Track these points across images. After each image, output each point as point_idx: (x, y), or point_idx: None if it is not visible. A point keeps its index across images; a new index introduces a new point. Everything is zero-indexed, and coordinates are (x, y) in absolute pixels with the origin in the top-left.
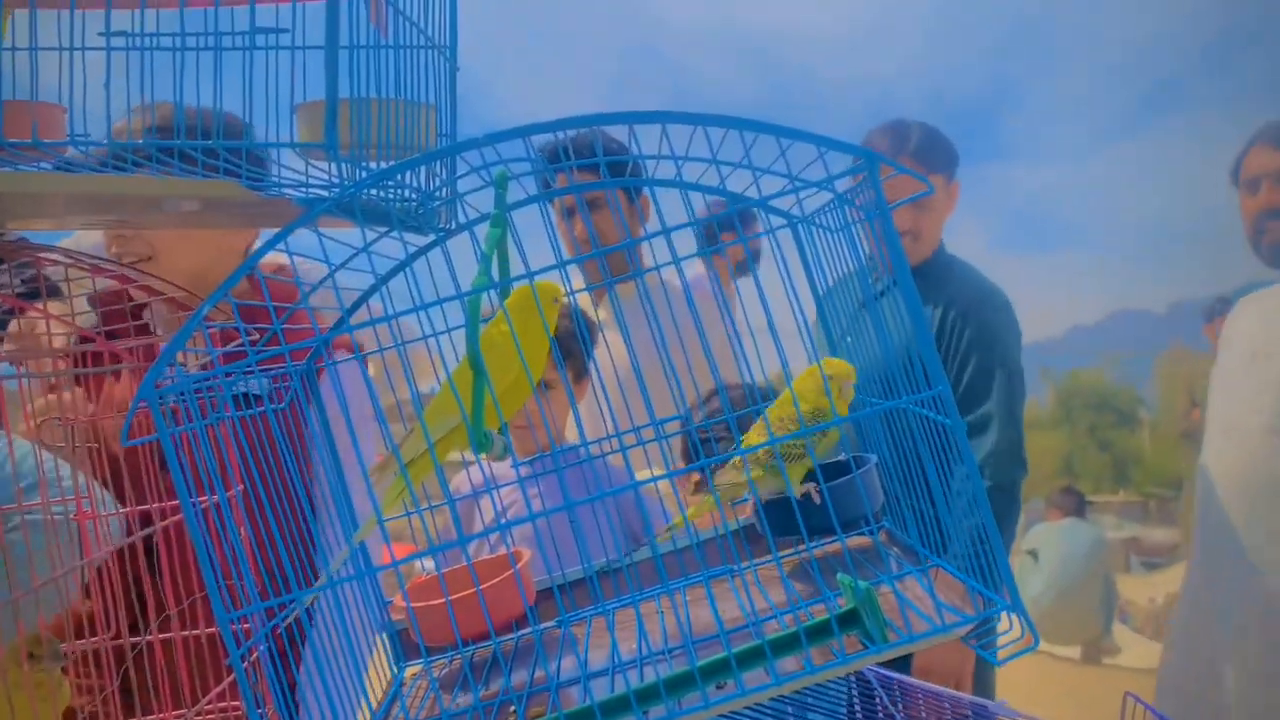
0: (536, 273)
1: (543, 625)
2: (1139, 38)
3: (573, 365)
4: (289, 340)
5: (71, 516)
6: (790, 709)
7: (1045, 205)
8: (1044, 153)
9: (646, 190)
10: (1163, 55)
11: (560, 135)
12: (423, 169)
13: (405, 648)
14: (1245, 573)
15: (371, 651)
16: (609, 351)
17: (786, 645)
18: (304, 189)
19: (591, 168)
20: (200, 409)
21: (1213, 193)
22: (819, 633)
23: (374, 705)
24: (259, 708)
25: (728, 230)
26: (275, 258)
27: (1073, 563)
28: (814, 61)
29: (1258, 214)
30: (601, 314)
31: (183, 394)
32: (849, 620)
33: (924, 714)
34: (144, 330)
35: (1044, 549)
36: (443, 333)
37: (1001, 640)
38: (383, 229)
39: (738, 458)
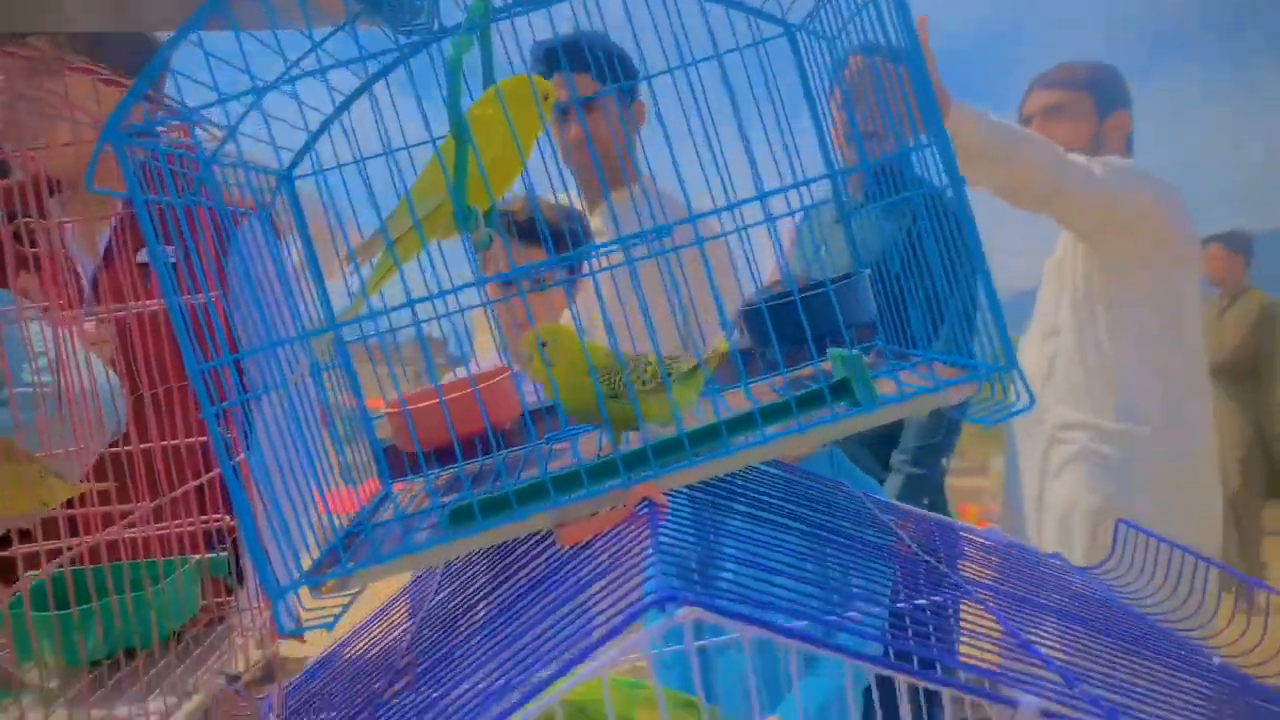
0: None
1: (536, 442)
2: None
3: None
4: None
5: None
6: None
7: None
8: None
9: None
10: (1167, 6)
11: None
12: None
13: (392, 465)
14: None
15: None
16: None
17: (777, 413)
18: None
19: (584, 71)
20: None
21: (1218, 144)
22: (810, 402)
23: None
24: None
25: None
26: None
27: None
28: None
29: None
30: (594, 224)
31: (154, 153)
32: (840, 390)
33: (912, 533)
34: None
35: None
36: (435, 140)
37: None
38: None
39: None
